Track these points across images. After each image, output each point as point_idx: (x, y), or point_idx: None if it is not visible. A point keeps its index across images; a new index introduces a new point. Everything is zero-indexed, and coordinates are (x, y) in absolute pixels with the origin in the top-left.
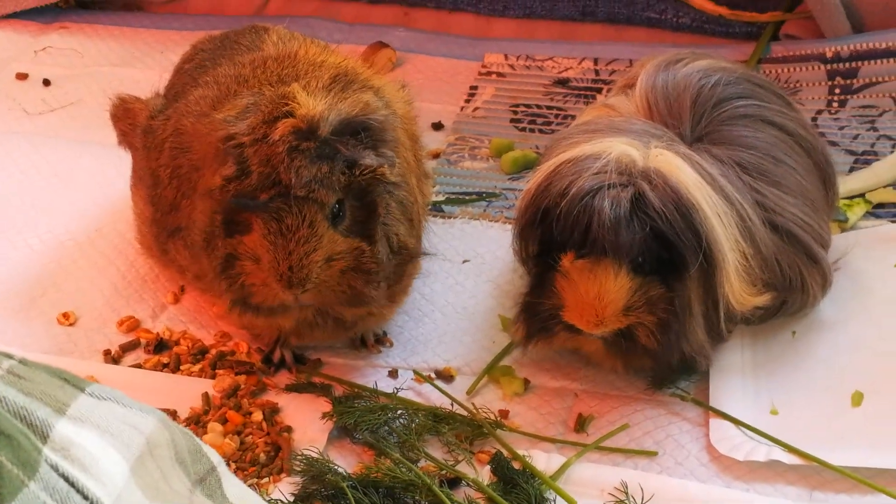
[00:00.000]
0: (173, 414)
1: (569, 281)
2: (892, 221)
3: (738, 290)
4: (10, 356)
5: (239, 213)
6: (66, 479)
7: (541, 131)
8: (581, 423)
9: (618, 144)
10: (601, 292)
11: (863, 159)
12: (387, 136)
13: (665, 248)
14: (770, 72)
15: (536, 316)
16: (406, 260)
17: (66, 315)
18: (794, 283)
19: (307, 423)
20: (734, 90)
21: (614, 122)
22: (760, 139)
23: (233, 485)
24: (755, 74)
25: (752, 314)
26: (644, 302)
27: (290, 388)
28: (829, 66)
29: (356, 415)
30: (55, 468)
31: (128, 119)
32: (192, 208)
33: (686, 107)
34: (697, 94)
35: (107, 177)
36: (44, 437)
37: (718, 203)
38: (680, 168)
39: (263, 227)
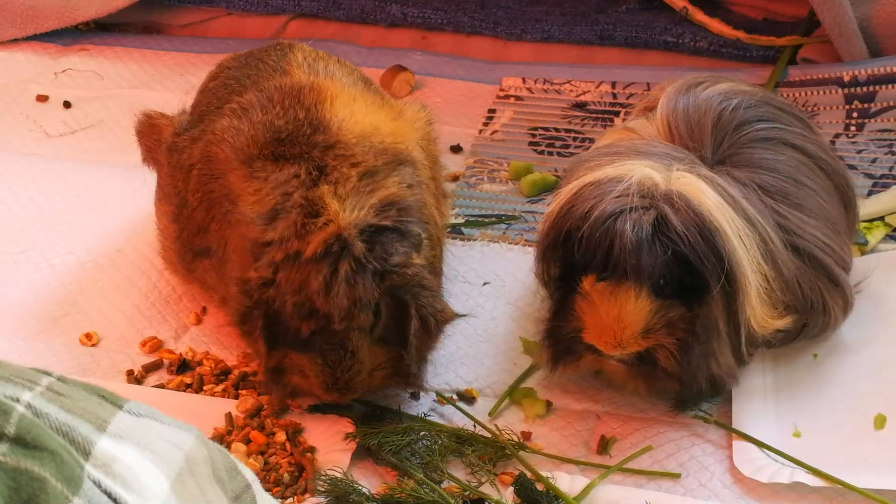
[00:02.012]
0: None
1: (589, 303)
2: None
3: (759, 312)
4: (48, 373)
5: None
6: (109, 495)
7: (559, 154)
8: (604, 445)
9: (640, 167)
10: (621, 314)
11: (881, 183)
12: (413, 217)
13: (687, 271)
14: (787, 96)
15: (560, 340)
16: (437, 335)
17: (88, 336)
18: (816, 305)
19: (330, 444)
20: (755, 113)
21: (635, 144)
22: (782, 162)
23: (267, 503)
24: (775, 98)
25: (773, 337)
26: (663, 324)
27: (313, 409)
28: (846, 90)
29: (379, 436)
30: (98, 484)
31: (153, 135)
32: (222, 232)
33: (707, 130)
34: (718, 117)
35: (128, 198)
36: (86, 454)
37: (741, 226)
38: (702, 191)
39: (308, 358)
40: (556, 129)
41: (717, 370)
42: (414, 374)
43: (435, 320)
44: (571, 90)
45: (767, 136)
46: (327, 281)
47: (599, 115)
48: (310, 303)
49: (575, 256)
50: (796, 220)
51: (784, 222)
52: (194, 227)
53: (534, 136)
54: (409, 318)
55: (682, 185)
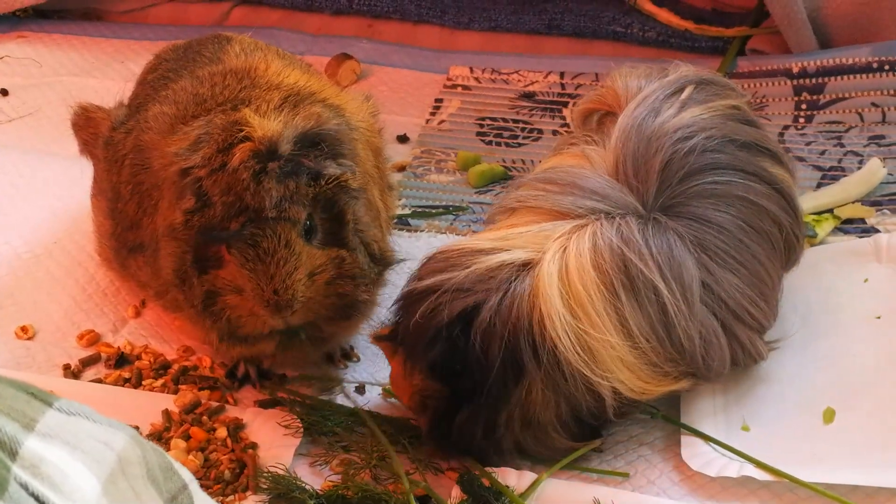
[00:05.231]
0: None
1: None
2: (861, 237)
3: (637, 386)
4: None
5: (207, 248)
6: (37, 497)
7: (507, 145)
8: None
9: (519, 243)
10: (395, 377)
11: (830, 175)
12: (343, 146)
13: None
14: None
15: None
16: (387, 265)
17: (24, 328)
18: (720, 368)
19: (273, 440)
20: (710, 160)
21: (574, 176)
22: (726, 221)
23: (205, 503)
24: (744, 129)
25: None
26: (420, 404)
27: (262, 405)
28: (795, 82)
29: (328, 425)
30: (25, 487)
31: (90, 128)
32: (153, 226)
33: (654, 172)
34: (668, 160)
35: (65, 188)
36: (13, 455)
37: (607, 315)
38: (548, 291)
39: (239, 256)
40: (504, 120)
41: (526, 450)
42: (361, 271)
43: (379, 248)
44: (519, 80)
45: (715, 192)
46: (256, 177)
47: (547, 106)
48: (239, 200)
49: None
50: (727, 285)
51: (712, 283)
52: (127, 222)
53: (482, 126)
54: (346, 222)
55: (541, 274)
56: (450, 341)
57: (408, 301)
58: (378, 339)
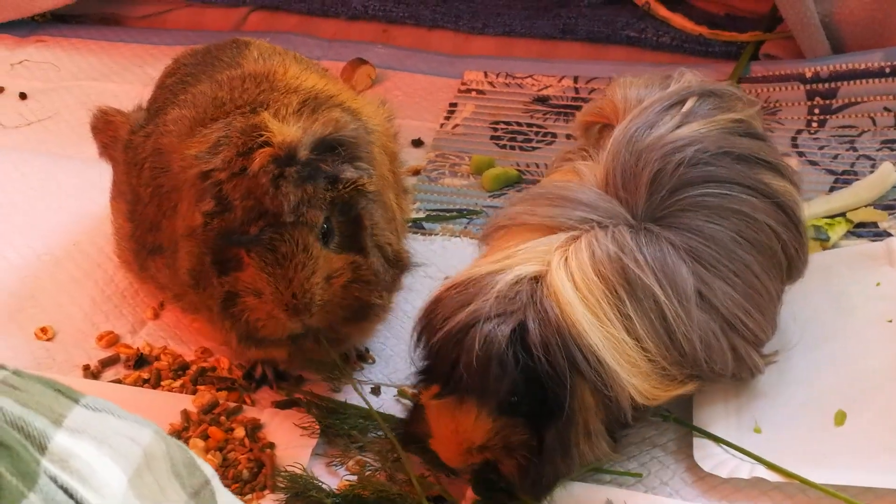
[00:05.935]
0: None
1: (432, 412)
2: (873, 240)
3: (648, 391)
4: (3, 367)
5: (227, 250)
6: (66, 490)
7: (521, 148)
8: None
9: (522, 258)
10: (458, 430)
11: (843, 179)
12: (361, 150)
13: (541, 386)
14: (750, 91)
15: (415, 439)
16: (403, 269)
17: (44, 330)
18: (723, 372)
19: (290, 440)
20: (702, 172)
21: (563, 189)
22: (718, 232)
23: (226, 498)
24: (741, 143)
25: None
26: (502, 445)
27: (279, 405)
28: (808, 86)
29: (345, 428)
30: (54, 479)
31: (109, 131)
32: (172, 228)
33: (643, 184)
34: (657, 172)
35: (84, 191)
36: (42, 448)
37: (618, 319)
38: (568, 297)
39: (258, 260)
40: (518, 124)
41: (579, 463)
42: (376, 277)
43: (394, 251)
44: (533, 84)
45: (708, 204)
46: (275, 181)
47: (561, 110)
48: (259, 205)
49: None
50: (722, 295)
51: (708, 294)
52: (147, 224)
53: (495, 130)
54: (363, 227)
55: (555, 284)
56: (517, 365)
57: (448, 344)
58: (437, 397)
